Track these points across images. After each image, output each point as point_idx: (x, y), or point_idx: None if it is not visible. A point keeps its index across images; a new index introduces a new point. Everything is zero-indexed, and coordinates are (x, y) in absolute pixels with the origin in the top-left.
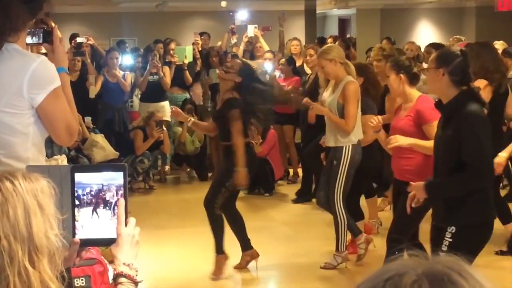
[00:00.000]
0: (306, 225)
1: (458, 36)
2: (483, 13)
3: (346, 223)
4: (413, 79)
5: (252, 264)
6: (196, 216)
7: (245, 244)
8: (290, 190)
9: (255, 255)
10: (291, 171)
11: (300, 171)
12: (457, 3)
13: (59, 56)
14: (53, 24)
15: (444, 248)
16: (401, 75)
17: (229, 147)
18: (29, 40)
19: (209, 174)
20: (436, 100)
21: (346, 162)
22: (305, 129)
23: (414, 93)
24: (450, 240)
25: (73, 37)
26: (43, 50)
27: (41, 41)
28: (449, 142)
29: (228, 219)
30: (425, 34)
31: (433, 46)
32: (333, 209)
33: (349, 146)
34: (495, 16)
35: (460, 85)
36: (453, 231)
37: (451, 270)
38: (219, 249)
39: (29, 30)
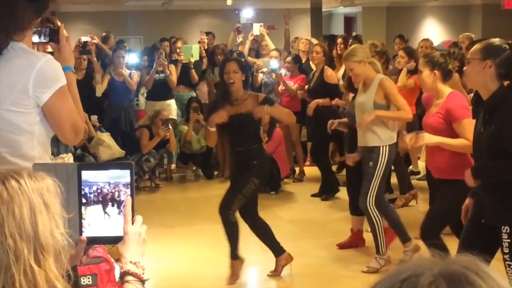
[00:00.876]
0: (313, 224)
1: (468, 34)
2: (489, 10)
3: (382, 224)
4: (447, 76)
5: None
6: (202, 214)
7: (277, 250)
8: (296, 189)
9: (289, 259)
10: (297, 169)
11: (306, 169)
12: (463, 0)
13: (65, 55)
14: (59, 23)
15: (506, 250)
16: (436, 71)
17: (245, 151)
18: (35, 39)
19: (215, 173)
20: (472, 96)
21: (383, 163)
22: (312, 127)
23: (445, 89)
24: (509, 240)
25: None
26: (49, 49)
27: (47, 40)
28: (493, 138)
29: (253, 228)
30: (431, 32)
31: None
32: (367, 211)
33: (386, 146)
34: (501, 14)
35: (503, 79)
36: (508, 231)
37: (468, 270)
38: (234, 255)
39: (35, 29)
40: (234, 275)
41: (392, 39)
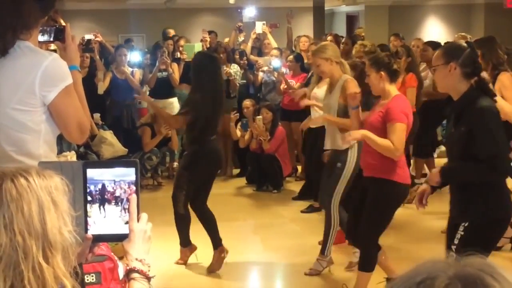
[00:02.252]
0: (314, 222)
1: (463, 34)
2: (492, 9)
3: (337, 227)
4: (393, 76)
5: (257, 260)
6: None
7: (216, 242)
8: (298, 187)
9: (223, 250)
10: (299, 168)
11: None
12: (466, 0)
13: (71, 54)
14: (62, 21)
15: (456, 241)
16: (382, 72)
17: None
18: (41, 38)
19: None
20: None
21: (351, 166)
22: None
23: (392, 90)
24: (462, 233)
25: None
26: (52, 47)
27: (53, 39)
28: (462, 139)
29: (200, 218)
30: (434, 30)
31: (430, 44)
32: (327, 211)
33: (354, 149)
34: (503, 13)
35: (471, 77)
36: (465, 225)
37: (484, 272)
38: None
39: (41, 28)
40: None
41: (388, 38)
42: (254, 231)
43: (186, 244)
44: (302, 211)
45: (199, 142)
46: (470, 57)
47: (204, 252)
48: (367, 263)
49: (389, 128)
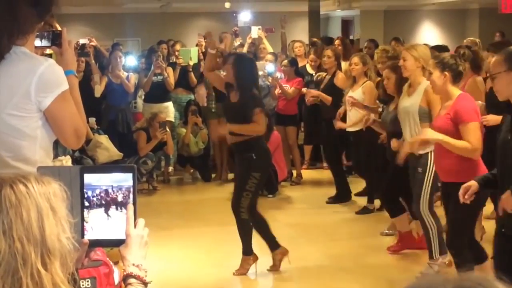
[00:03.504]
0: (310, 227)
1: (472, 38)
2: (487, 14)
3: (436, 229)
4: (457, 77)
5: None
6: (199, 217)
7: (273, 244)
8: (294, 192)
9: (285, 252)
10: (294, 172)
11: (303, 172)
12: (461, 4)
13: (68, 59)
14: (57, 26)
15: None
16: (446, 73)
17: (241, 144)
18: (37, 43)
19: (213, 175)
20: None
21: (432, 168)
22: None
23: (455, 91)
24: None
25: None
26: (48, 51)
27: (49, 43)
28: None
29: (252, 222)
30: (429, 35)
31: (436, 48)
32: (420, 219)
33: (433, 151)
34: (498, 18)
35: None
36: None
37: (482, 286)
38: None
39: (37, 33)
40: (243, 269)
41: (389, 43)
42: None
43: (249, 253)
44: (356, 212)
45: (258, 140)
46: None
47: (205, 256)
48: (463, 263)
49: (463, 129)
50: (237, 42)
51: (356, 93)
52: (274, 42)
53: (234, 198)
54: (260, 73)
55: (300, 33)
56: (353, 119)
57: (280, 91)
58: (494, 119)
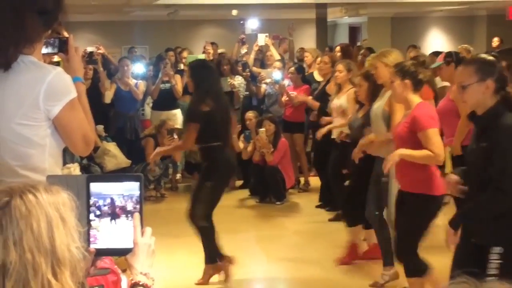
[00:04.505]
0: (318, 234)
1: (466, 46)
2: (494, 21)
3: (390, 238)
4: (417, 85)
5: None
6: None
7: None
8: (302, 199)
9: (219, 269)
10: (302, 179)
11: (311, 179)
12: (468, 11)
13: (75, 66)
14: (65, 33)
15: (493, 271)
16: (406, 81)
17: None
18: (44, 50)
19: None
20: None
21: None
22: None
23: (415, 99)
24: (500, 261)
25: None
26: (56, 58)
27: (56, 50)
28: (484, 155)
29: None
30: (436, 42)
31: (436, 55)
32: (378, 224)
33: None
34: (506, 24)
35: (499, 91)
36: (501, 252)
37: None
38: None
39: (44, 40)
40: (207, 277)
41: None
42: (257, 243)
43: (213, 261)
44: (330, 220)
45: (215, 149)
46: (501, 71)
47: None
48: (416, 269)
49: (422, 136)
50: (243, 50)
51: (341, 100)
52: (281, 50)
53: (190, 206)
54: (268, 80)
55: (307, 40)
56: (336, 124)
57: (286, 98)
58: None
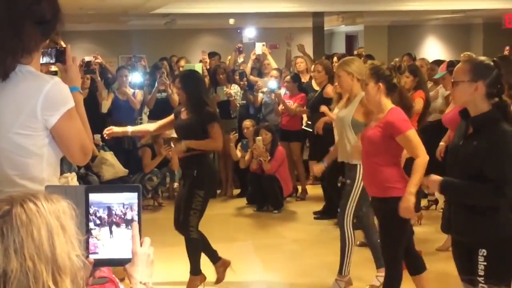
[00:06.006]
0: (315, 243)
1: (469, 53)
2: (490, 29)
3: (353, 245)
4: (391, 90)
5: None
6: (204, 233)
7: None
8: (299, 207)
9: (203, 280)
10: (299, 188)
11: (308, 188)
12: (465, 19)
13: (72, 75)
14: (62, 43)
15: (482, 273)
16: (380, 84)
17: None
18: (41, 60)
19: (218, 191)
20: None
21: (360, 182)
22: (311, 142)
23: (387, 104)
24: (485, 263)
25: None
26: (53, 68)
27: (53, 60)
28: (473, 154)
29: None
30: (433, 50)
31: (436, 63)
32: (341, 229)
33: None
34: (502, 33)
35: (493, 97)
36: (485, 254)
37: None
38: (197, 271)
39: (42, 50)
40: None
41: (394, 57)
42: (254, 251)
43: (198, 273)
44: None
45: (201, 157)
46: (497, 78)
47: (211, 272)
48: (393, 282)
49: (402, 140)
50: (240, 59)
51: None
52: (278, 59)
53: (182, 217)
54: (265, 89)
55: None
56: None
57: (282, 107)
58: None
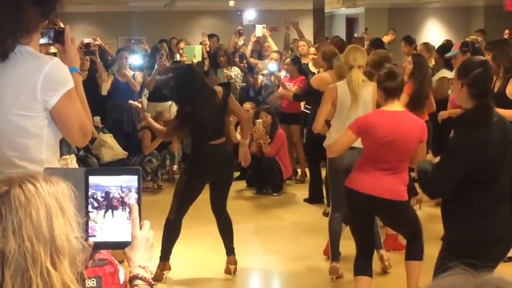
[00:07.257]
0: (315, 225)
1: (474, 37)
2: (492, 12)
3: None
4: (388, 95)
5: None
6: (204, 216)
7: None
8: (299, 190)
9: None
10: (299, 170)
11: (308, 170)
12: (466, 2)
13: (71, 56)
14: (61, 24)
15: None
16: (380, 91)
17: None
18: (40, 40)
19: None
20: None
21: (327, 165)
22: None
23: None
24: (446, 253)
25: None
26: (52, 49)
27: (52, 41)
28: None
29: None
30: (433, 33)
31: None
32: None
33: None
34: (503, 16)
35: (479, 97)
36: (445, 243)
37: None
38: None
39: (40, 31)
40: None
41: (400, 42)
42: (254, 234)
43: (166, 259)
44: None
45: (196, 143)
46: (478, 77)
47: (210, 254)
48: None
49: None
50: (241, 41)
51: None
52: (278, 41)
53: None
54: (265, 71)
55: (304, 31)
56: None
57: (282, 89)
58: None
